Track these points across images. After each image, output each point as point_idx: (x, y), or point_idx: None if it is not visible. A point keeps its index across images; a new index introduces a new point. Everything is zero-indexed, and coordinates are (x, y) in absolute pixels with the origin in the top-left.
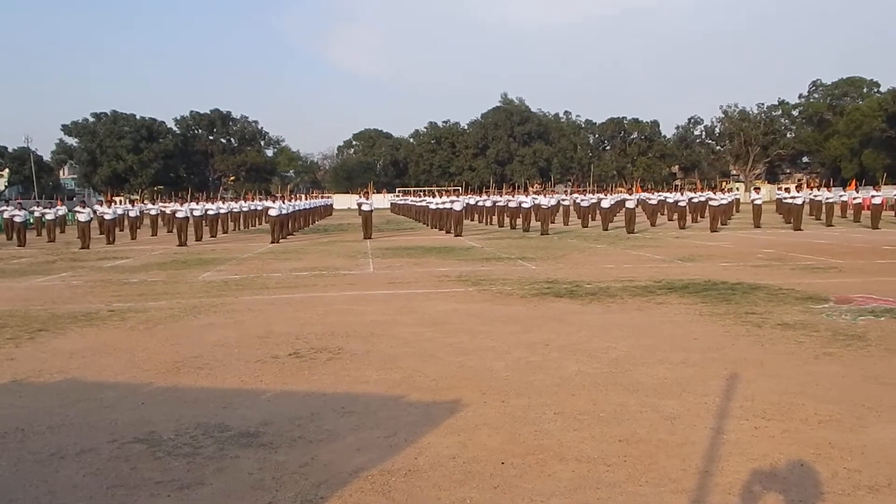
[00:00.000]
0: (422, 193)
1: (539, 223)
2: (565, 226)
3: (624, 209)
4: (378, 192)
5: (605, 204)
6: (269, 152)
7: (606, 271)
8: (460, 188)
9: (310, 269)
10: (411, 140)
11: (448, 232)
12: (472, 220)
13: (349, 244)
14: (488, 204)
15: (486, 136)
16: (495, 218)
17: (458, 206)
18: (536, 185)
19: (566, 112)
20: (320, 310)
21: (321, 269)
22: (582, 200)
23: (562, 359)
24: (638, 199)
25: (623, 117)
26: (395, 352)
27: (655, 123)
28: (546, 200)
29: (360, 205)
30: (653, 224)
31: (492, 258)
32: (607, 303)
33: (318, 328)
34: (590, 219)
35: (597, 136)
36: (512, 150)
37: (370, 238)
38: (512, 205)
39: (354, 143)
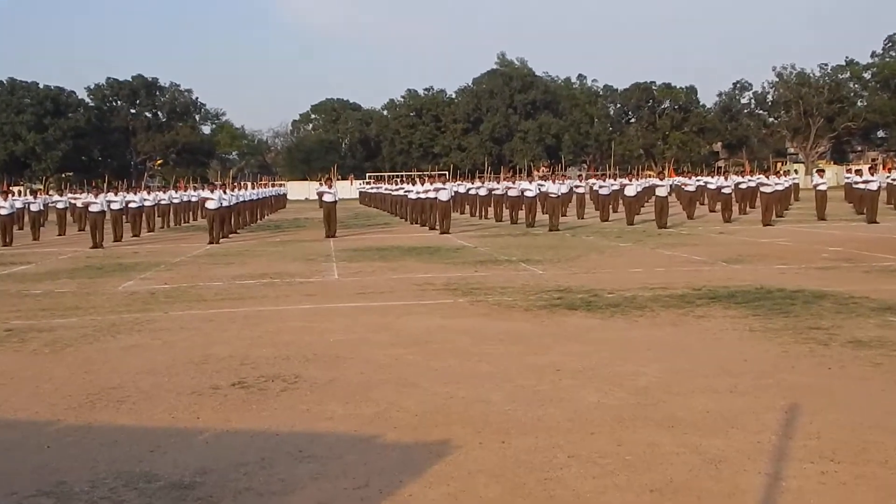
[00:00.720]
0: (398, 180)
1: (547, 216)
2: (580, 219)
3: (654, 198)
4: (343, 178)
5: (630, 191)
6: (206, 129)
7: (632, 276)
8: (447, 173)
9: (258, 276)
10: (384, 113)
11: (432, 228)
12: (463, 212)
13: (307, 244)
14: (482, 193)
15: (480, 106)
16: (491, 210)
17: (444, 196)
18: (543, 168)
19: (580, 76)
20: (271, 327)
21: (272, 276)
22: (601, 187)
23: (577, 387)
24: (671, 186)
25: (651, 83)
26: (365, 380)
27: (692, 90)
28: (555, 188)
29: (320, 194)
30: (690, 216)
31: (488, 261)
32: (633, 316)
33: (269, 351)
34: (611, 210)
35: (619, 106)
36: (512, 125)
37: (334, 236)
38: (512, 193)
39: (313, 116)
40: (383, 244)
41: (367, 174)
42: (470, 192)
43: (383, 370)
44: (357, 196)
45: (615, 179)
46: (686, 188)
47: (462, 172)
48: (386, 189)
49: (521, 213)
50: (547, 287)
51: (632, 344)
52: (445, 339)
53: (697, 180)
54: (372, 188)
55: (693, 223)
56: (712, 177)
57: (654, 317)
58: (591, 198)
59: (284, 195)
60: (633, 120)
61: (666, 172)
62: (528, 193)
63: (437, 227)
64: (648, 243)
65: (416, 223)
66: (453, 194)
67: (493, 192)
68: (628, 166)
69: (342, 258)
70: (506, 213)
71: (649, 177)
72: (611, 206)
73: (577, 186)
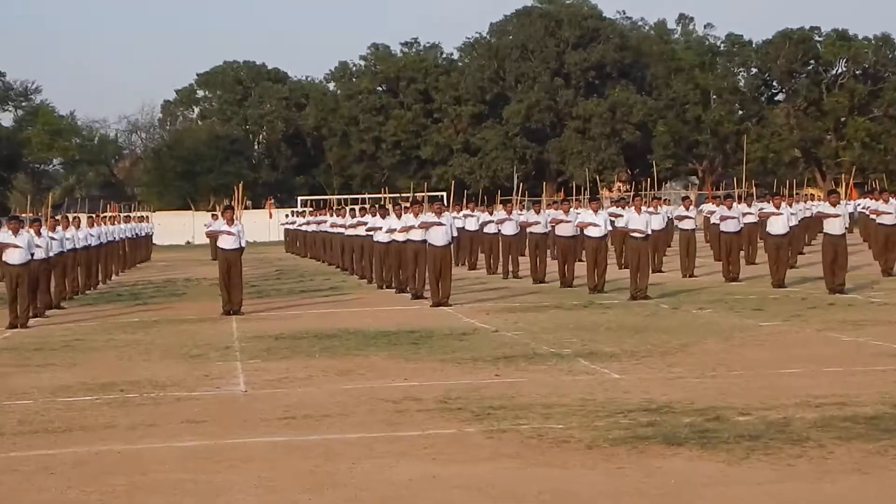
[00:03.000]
0: (355, 209)
1: (625, 273)
2: (687, 277)
3: (821, 238)
4: (256, 205)
5: (778, 227)
6: (7, 118)
7: (783, 383)
8: (444, 196)
9: (100, 387)
10: (330, 86)
11: (417, 295)
12: (474, 265)
13: (190, 327)
14: (508, 230)
15: (502, 73)
16: (525, 261)
17: (438, 237)
18: (619, 185)
19: (682, 18)
20: (121, 485)
21: (125, 387)
22: (722, 219)
23: None
24: (853, 215)
25: (813, 29)
26: None
27: (886, 39)
28: (641, 221)
29: (213, 236)
30: (888, 269)
31: (519, 356)
32: (786, 458)
33: None
34: (741, 260)
35: (754, 71)
36: (561, 106)
37: (238, 311)
38: (563, 231)
39: (200, 94)
40: (329, 326)
41: (300, 198)
42: (486, 230)
43: None
44: (281, 238)
45: (749, 205)
46: (881, 219)
47: (471, 194)
48: (333, 224)
49: (580, 267)
50: (628, 404)
51: None
52: None
53: None
54: (307, 223)
55: (892, 281)
56: None
57: (823, 459)
58: (707, 237)
59: (149, 237)
60: (779, 97)
61: (842, 192)
62: (591, 232)
63: (428, 294)
64: (812, 320)
65: (388, 286)
66: (455, 234)
67: (527, 230)
68: (773, 180)
69: (253, 353)
70: (552, 265)
71: (811, 200)
72: (742, 252)
73: (680, 218)
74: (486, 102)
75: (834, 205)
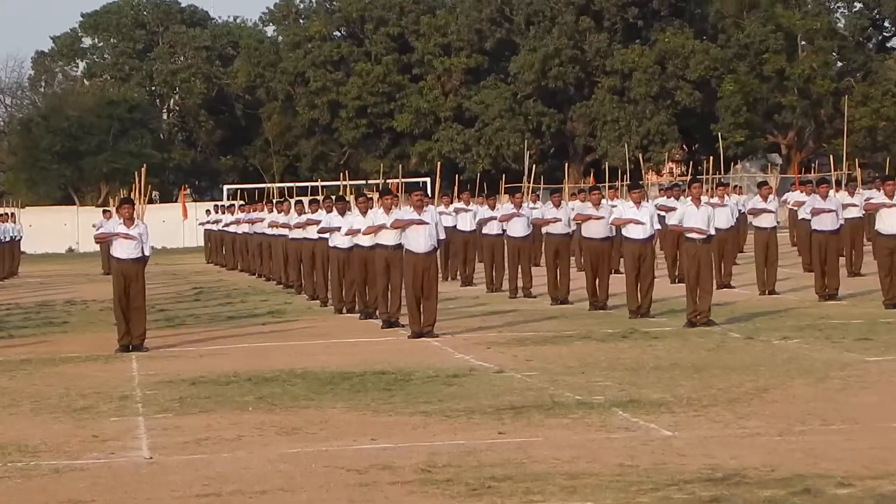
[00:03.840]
0: (305, 204)
1: (681, 289)
2: (766, 293)
3: None
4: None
5: (889, 222)
6: None
7: (892, 442)
8: (426, 182)
9: None
10: (266, 30)
11: (391, 322)
12: (468, 278)
13: (74, 368)
14: (517, 231)
15: (507, 10)
16: (542, 272)
17: (419, 241)
18: (672, 165)
19: None
20: None
21: None
22: (816, 213)
23: None
24: None
25: None
26: None
27: None
28: (701, 215)
29: (106, 240)
30: None
31: (532, 406)
32: None
33: None
34: (839, 266)
35: (857, 4)
36: (588, 58)
37: (140, 346)
38: (593, 232)
39: (86, 41)
40: (267, 367)
41: (226, 187)
42: (486, 231)
43: None
44: (201, 243)
45: (852, 194)
46: None
47: (465, 180)
48: (273, 225)
49: (616, 281)
50: (684, 472)
51: None
52: None
53: None
54: (236, 223)
55: None
56: None
57: None
58: (793, 238)
59: (15, 242)
60: (894, 42)
61: None
62: (632, 232)
63: (405, 320)
64: None
65: (350, 309)
66: (442, 237)
67: (543, 230)
68: (885, 159)
69: (162, 405)
70: (578, 278)
71: None
72: (843, 259)
73: (756, 211)
74: (485, 52)
75: None
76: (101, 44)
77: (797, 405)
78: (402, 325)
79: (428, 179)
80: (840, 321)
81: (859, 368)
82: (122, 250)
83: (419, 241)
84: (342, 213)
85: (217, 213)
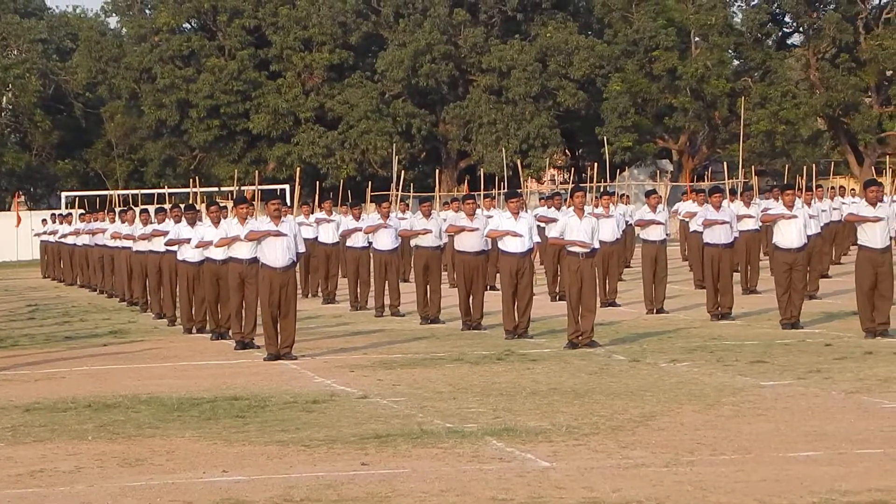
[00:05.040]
0: (151, 213)
1: (564, 303)
2: (653, 312)
3: (857, 252)
4: None
5: (794, 235)
6: None
7: (793, 471)
8: (285, 191)
9: None
10: (109, 21)
11: (244, 343)
12: (330, 295)
13: None
14: (384, 242)
15: (374, 0)
16: (410, 283)
17: (277, 256)
18: (554, 172)
19: None
20: None
21: None
22: (708, 224)
23: None
24: None
25: None
26: None
27: None
28: (583, 227)
29: None
30: None
31: (399, 435)
32: None
33: None
34: (733, 282)
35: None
36: (466, 50)
37: None
38: (466, 245)
39: None
40: (108, 392)
41: (65, 194)
42: (351, 244)
43: None
44: (36, 255)
45: (748, 203)
46: None
47: (328, 188)
48: (116, 236)
49: (492, 298)
50: None
51: None
52: None
53: None
54: (75, 233)
55: None
56: None
57: None
58: (684, 252)
59: None
60: (794, 39)
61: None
62: (509, 245)
63: (261, 341)
64: (840, 378)
65: (201, 329)
66: (301, 249)
67: (412, 243)
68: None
69: None
70: (450, 295)
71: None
72: (737, 275)
73: (644, 223)
74: (350, 48)
75: (874, 203)
76: None
77: (685, 433)
78: (258, 347)
79: (287, 187)
80: (733, 342)
81: (753, 394)
82: None
83: (276, 254)
84: (192, 224)
85: (54, 222)
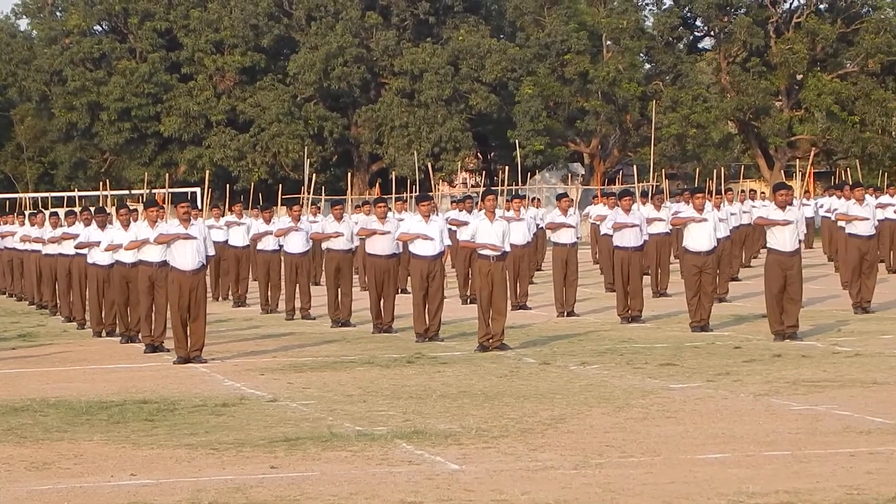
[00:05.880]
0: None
1: (475, 307)
2: (564, 315)
3: (766, 255)
4: None
5: (703, 238)
6: None
7: (701, 473)
8: (195, 194)
9: None
10: (20, 23)
11: (153, 346)
12: (241, 294)
13: None
14: (296, 245)
15: (286, 4)
16: (322, 286)
17: (187, 259)
18: (466, 176)
19: None
20: None
21: None
22: (618, 227)
23: None
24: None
25: None
26: None
27: None
28: (494, 230)
29: None
30: (861, 303)
31: (308, 438)
32: None
33: None
34: (643, 285)
35: (666, 1)
36: (378, 53)
37: None
38: (375, 248)
39: None
40: (15, 395)
41: None
42: (262, 246)
43: None
44: None
45: (658, 206)
46: (852, 228)
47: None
48: (25, 239)
49: (403, 301)
50: None
51: None
52: None
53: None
54: None
55: (867, 321)
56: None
57: None
58: (595, 255)
59: None
60: (705, 42)
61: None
62: (420, 248)
63: (169, 344)
64: (749, 381)
65: (110, 332)
66: (211, 253)
67: (323, 246)
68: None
69: None
70: (361, 298)
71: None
72: (648, 277)
73: (555, 226)
74: (262, 50)
75: (783, 206)
76: None
77: (595, 436)
78: (167, 350)
79: (198, 189)
80: (643, 345)
81: (662, 396)
82: None
83: (186, 257)
84: (102, 227)
85: None
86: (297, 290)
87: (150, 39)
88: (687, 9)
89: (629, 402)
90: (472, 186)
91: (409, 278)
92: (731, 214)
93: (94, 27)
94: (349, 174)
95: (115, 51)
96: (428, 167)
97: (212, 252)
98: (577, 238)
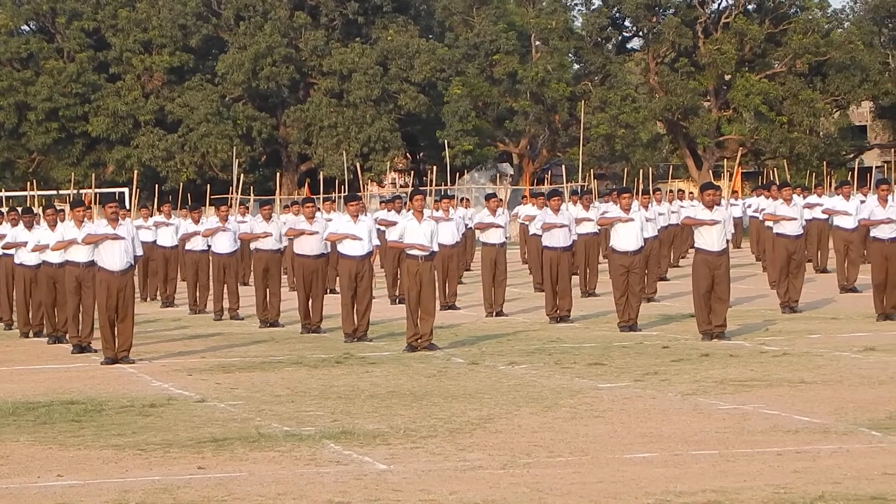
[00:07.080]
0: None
1: (403, 306)
2: (492, 314)
3: (694, 255)
4: None
5: (631, 238)
6: None
7: (628, 472)
8: (123, 195)
9: None
10: None
11: (80, 347)
12: (169, 295)
13: None
14: (223, 246)
15: (215, 4)
16: (249, 287)
17: (114, 259)
18: (395, 176)
19: None
20: None
21: None
22: (547, 228)
23: None
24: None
25: None
26: None
27: None
28: (421, 231)
29: None
30: (788, 302)
31: (237, 438)
32: None
33: None
34: (571, 285)
35: (595, 1)
36: (306, 53)
37: None
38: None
39: None
40: None
41: None
42: (191, 247)
43: None
44: None
45: (587, 207)
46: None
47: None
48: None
49: (331, 301)
50: None
51: None
52: None
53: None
54: None
55: (793, 320)
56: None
57: None
58: (524, 255)
59: None
60: (634, 43)
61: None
62: (347, 248)
63: (96, 344)
64: (676, 380)
65: (37, 332)
66: (139, 253)
67: (251, 246)
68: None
69: None
70: (289, 297)
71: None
72: (576, 277)
73: (483, 226)
74: (190, 50)
75: (711, 206)
76: None
77: (523, 436)
78: (95, 351)
79: (126, 190)
80: (572, 345)
81: (590, 396)
82: None
83: (113, 257)
84: (29, 227)
85: None
86: (226, 290)
87: (77, 39)
88: (616, 9)
89: (557, 402)
90: (401, 186)
91: (337, 278)
92: (660, 214)
93: (22, 27)
94: (278, 174)
95: (42, 50)
96: (357, 167)
97: (140, 252)
98: (506, 238)
